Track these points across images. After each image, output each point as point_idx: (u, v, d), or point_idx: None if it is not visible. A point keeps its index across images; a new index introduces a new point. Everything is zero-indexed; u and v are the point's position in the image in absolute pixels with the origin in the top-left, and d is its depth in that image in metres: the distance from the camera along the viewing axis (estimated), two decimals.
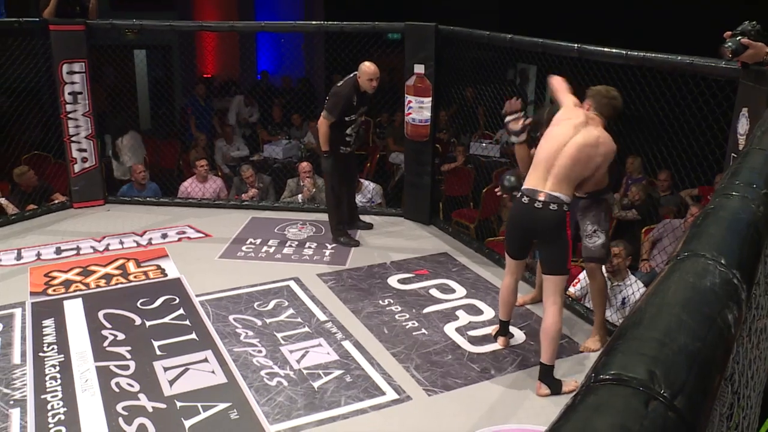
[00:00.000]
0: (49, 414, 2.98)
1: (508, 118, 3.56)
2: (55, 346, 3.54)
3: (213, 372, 3.33)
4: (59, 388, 3.18)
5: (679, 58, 3.36)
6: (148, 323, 3.79)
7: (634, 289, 4.09)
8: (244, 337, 3.65)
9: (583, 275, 4.13)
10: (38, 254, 4.78)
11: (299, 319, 3.87)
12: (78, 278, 4.39)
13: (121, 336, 3.65)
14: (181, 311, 3.94)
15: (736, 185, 1.17)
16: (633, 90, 3.87)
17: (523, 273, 3.61)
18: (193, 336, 3.67)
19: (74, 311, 3.93)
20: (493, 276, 4.48)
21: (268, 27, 7.62)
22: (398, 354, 3.52)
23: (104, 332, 3.69)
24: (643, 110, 4.16)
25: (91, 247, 4.93)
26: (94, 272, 4.48)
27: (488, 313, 3.98)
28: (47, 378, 3.26)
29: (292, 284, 4.32)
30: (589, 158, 3.10)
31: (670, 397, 0.57)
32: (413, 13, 6.94)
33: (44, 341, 3.60)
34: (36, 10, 5.79)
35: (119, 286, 4.30)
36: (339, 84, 4.79)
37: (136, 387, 3.19)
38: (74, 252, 4.84)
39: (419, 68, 5.12)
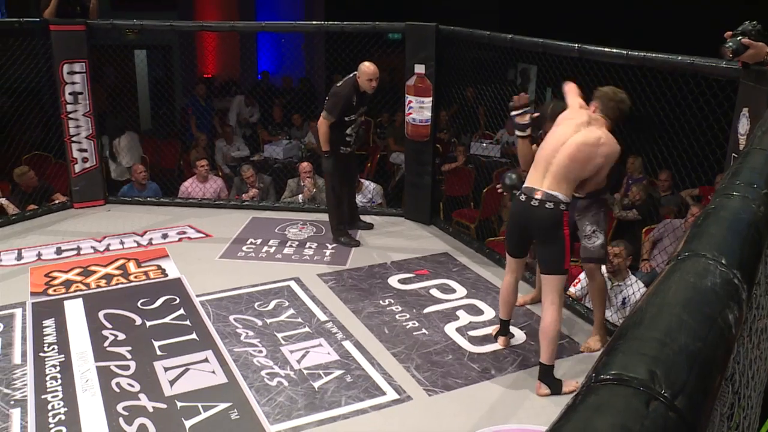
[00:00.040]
0: (50, 414, 2.98)
1: (515, 113, 3.55)
2: (56, 346, 3.55)
3: (213, 372, 3.33)
4: (60, 388, 3.18)
5: (680, 58, 3.36)
6: (148, 323, 3.79)
7: (634, 289, 4.09)
8: (244, 337, 3.65)
9: (583, 275, 4.13)
10: (39, 254, 4.78)
11: (300, 319, 3.87)
12: (78, 278, 4.39)
13: (121, 336, 3.65)
14: (181, 311, 3.94)
15: (736, 185, 1.17)
16: (633, 90, 3.87)
17: (523, 272, 3.61)
18: (194, 336, 3.67)
19: (75, 311, 3.93)
20: (493, 276, 4.48)
21: (269, 27, 7.63)
22: (399, 354, 3.52)
23: (105, 332, 3.69)
24: (644, 110, 4.16)
25: (92, 247, 4.93)
26: (94, 272, 4.49)
27: (489, 313, 3.98)
28: (48, 378, 3.26)
29: (293, 284, 4.32)
30: (589, 158, 3.10)
31: (671, 397, 0.57)
32: (413, 13, 6.94)
33: (45, 341, 3.60)
34: (36, 10, 5.79)
35: (120, 286, 4.30)
36: (338, 84, 4.79)
37: (137, 387, 3.19)
38: (75, 252, 4.84)
39: (420, 68, 5.12)
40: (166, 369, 3.34)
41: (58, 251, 4.85)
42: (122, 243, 5.01)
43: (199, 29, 7.62)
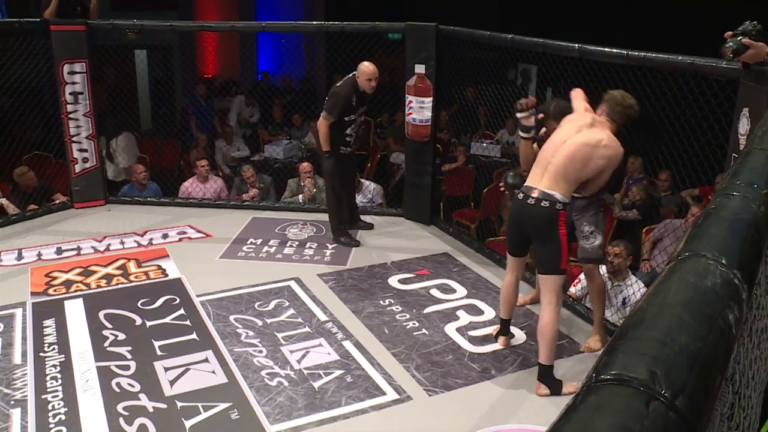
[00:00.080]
0: (50, 414, 2.98)
1: (520, 115, 3.54)
2: (56, 346, 3.55)
3: (213, 372, 3.33)
4: (60, 388, 3.19)
5: (680, 58, 3.36)
6: (148, 323, 3.79)
7: (634, 289, 4.09)
8: (244, 338, 3.65)
9: (583, 275, 4.13)
10: (39, 254, 4.78)
11: (300, 319, 3.87)
12: (79, 278, 4.39)
13: (121, 336, 3.65)
14: (181, 311, 3.94)
15: (737, 185, 1.17)
16: (633, 90, 3.87)
17: (524, 271, 3.60)
18: (194, 336, 3.67)
19: (75, 311, 3.93)
20: (493, 276, 4.48)
21: (269, 27, 7.62)
22: (399, 354, 3.52)
23: (105, 332, 3.69)
24: (644, 110, 4.15)
25: (92, 247, 4.93)
26: (94, 272, 4.49)
27: (489, 313, 3.98)
28: (48, 378, 3.26)
29: (293, 284, 4.33)
30: (588, 158, 3.09)
31: (671, 397, 0.57)
32: (413, 13, 6.94)
33: (45, 341, 3.60)
34: (37, 11, 5.80)
35: (120, 286, 4.30)
36: (338, 84, 4.79)
37: (137, 387, 3.19)
38: (75, 252, 4.84)
39: (420, 68, 5.12)
40: (167, 369, 3.34)
41: (59, 251, 4.85)
42: (122, 243, 5.01)
43: (199, 29, 7.63)
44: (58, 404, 3.06)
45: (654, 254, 5.38)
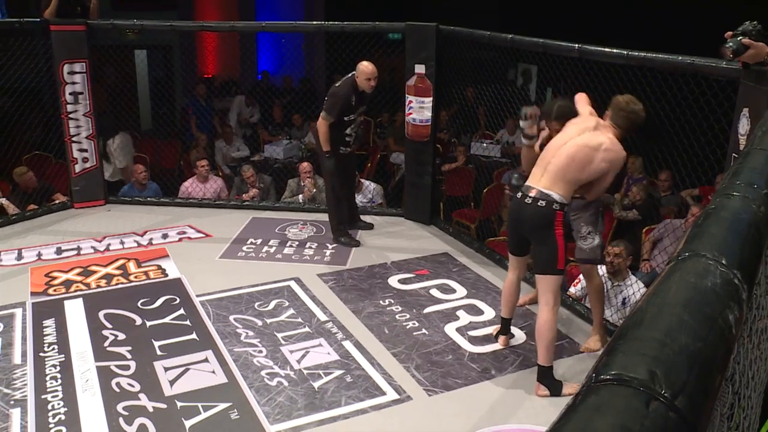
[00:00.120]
0: (50, 414, 2.98)
1: (524, 123, 3.55)
2: (56, 346, 3.55)
3: (213, 372, 3.33)
4: (60, 388, 3.18)
5: (680, 58, 3.36)
6: (148, 323, 3.79)
7: (634, 289, 4.09)
8: (244, 337, 3.65)
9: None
10: (39, 254, 4.78)
11: (300, 319, 3.87)
12: (79, 278, 4.39)
13: (121, 336, 3.65)
14: (181, 311, 3.94)
15: (737, 185, 1.17)
16: (633, 90, 3.87)
17: (525, 270, 3.60)
18: (194, 336, 3.67)
19: (75, 311, 3.93)
20: (493, 276, 4.48)
21: (269, 27, 7.62)
22: (399, 354, 3.52)
23: (105, 332, 3.69)
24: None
25: (92, 247, 4.93)
26: (94, 272, 4.49)
27: (489, 313, 3.99)
28: (48, 378, 3.26)
29: (293, 284, 4.33)
30: (588, 160, 3.09)
31: (671, 397, 0.57)
32: (413, 13, 6.94)
33: (45, 341, 3.60)
34: (37, 11, 5.79)
35: (120, 286, 4.30)
36: (337, 84, 4.78)
37: (137, 387, 3.19)
38: (75, 252, 4.84)
39: (420, 68, 5.12)
40: (166, 369, 3.34)
41: (59, 251, 4.85)
42: (122, 243, 5.01)
43: (199, 29, 7.63)
44: (58, 404, 3.06)
45: (654, 254, 5.38)
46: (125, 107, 7.14)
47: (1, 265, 4.62)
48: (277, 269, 4.57)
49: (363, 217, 5.39)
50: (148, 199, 6.04)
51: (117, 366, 3.36)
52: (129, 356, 3.45)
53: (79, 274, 4.45)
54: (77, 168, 5.69)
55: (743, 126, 2.89)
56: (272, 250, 4.93)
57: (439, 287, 4.32)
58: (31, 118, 6.14)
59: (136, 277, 4.43)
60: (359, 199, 5.85)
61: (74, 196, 5.76)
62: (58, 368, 3.35)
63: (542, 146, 3.42)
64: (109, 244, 4.97)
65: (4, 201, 5.67)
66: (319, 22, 7.14)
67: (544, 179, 3.11)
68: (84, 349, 3.51)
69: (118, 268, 4.56)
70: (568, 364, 3.46)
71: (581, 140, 3.11)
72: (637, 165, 6.38)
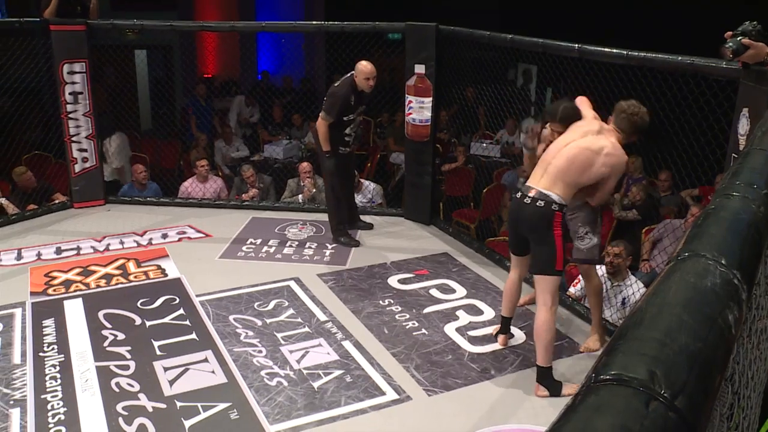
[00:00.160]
0: (49, 414, 2.98)
1: (524, 137, 3.58)
2: (55, 346, 3.54)
3: (213, 372, 3.33)
4: (59, 388, 3.18)
5: (680, 58, 3.36)
6: (148, 323, 3.79)
7: (634, 289, 4.09)
8: (244, 337, 3.65)
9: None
10: (38, 254, 4.78)
11: (299, 319, 3.87)
12: (78, 278, 4.39)
13: (121, 336, 3.65)
14: (181, 311, 3.94)
15: (736, 185, 1.17)
16: (633, 90, 3.87)
17: (527, 269, 3.59)
18: (194, 336, 3.67)
19: (74, 311, 3.93)
20: (493, 276, 4.48)
21: (269, 27, 7.62)
22: (398, 354, 3.52)
23: (104, 332, 3.69)
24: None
25: (92, 247, 4.93)
26: (94, 272, 4.49)
27: (488, 313, 3.98)
28: (47, 378, 3.26)
29: (293, 284, 4.32)
30: (589, 163, 3.09)
31: (671, 397, 0.57)
32: (413, 13, 6.93)
33: (44, 341, 3.60)
34: (37, 10, 5.79)
35: (119, 286, 4.30)
36: (336, 84, 4.78)
37: (136, 387, 3.19)
38: (74, 252, 4.84)
39: (420, 68, 5.12)
40: (166, 369, 3.34)
41: (58, 251, 4.84)
42: (122, 243, 5.01)
43: (199, 29, 7.63)
44: (58, 404, 3.06)
45: (654, 254, 5.38)
46: (125, 107, 7.14)
47: (1, 264, 4.62)
48: (277, 269, 4.57)
49: (363, 217, 5.39)
50: (148, 199, 6.04)
51: (116, 366, 3.36)
52: (128, 356, 3.45)
53: (78, 274, 4.45)
54: (77, 168, 5.69)
55: (743, 126, 2.89)
56: (272, 250, 4.92)
57: (438, 287, 4.32)
58: (30, 118, 6.14)
59: (135, 277, 4.42)
60: (359, 199, 5.85)
61: (74, 196, 5.76)
62: (58, 368, 3.34)
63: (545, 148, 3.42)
64: (108, 244, 4.97)
65: (3, 201, 5.67)
66: (319, 22, 7.14)
67: (544, 180, 3.11)
68: (83, 349, 3.51)
69: (117, 268, 4.56)
70: (568, 364, 3.46)
71: (583, 143, 3.12)
72: (636, 165, 6.38)
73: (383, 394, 3.17)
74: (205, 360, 3.43)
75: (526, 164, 3.68)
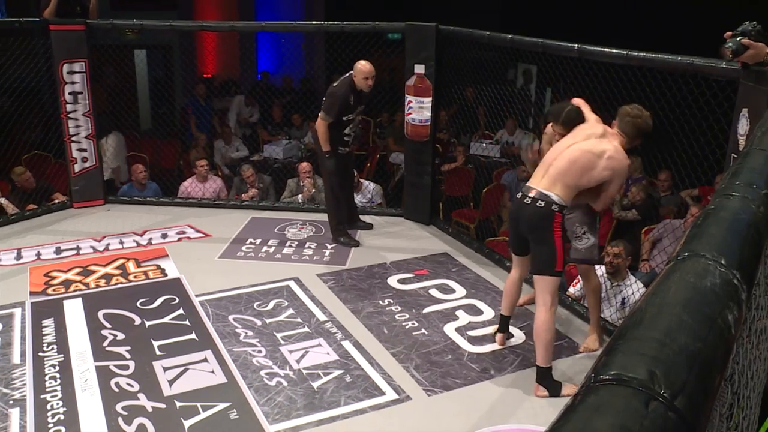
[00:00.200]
0: (49, 414, 2.98)
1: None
2: (55, 346, 3.54)
3: (213, 372, 3.33)
4: (59, 387, 3.18)
5: (680, 58, 3.36)
6: (147, 323, 3.79)
7: (634, 289, 4.09)
8: (243, 337, 3.65)
9: None
10: (38, 254, 4.78)
11: (299, 319, 3.87)
12: (78, 278, 4.39)
13: (120, 336, 3.65)
14: (180, 311, 3.94)
15: (736, 186, 1.17)
16: (633, 90, 3.87)
17: (528, 268, 3.58)
18: (193, 336, 3.67)
19: (74, 311, 3.93)
20: (493, 276, 4.48)
21: (269, 27, 7.62)
22: (398, 354, 3.52)
23: (104, 332, 3.69)
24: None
25: (91, 246, 4.93)
26: (93, 272, 4.48)
27: (488, 313, 3.98)
28: (47, 378, 3.26)
29: (292, 284, 4.32)
30: (590, 166, 3.09)
31: (671, 397, 0.56)
32: (413, 13, 6.93)
33: (44, 341, 3.60)
34: (36, 10, 5.79)
35: (119, 285, 4.30)
36: (335, 84, 4.78)
37: (136, 387, 3.19)
38: (74, 252, 4.83)
39: (419, 68, 5.12)
40: (166, 369, 3.34)
41: (58, 251, 4.84)
42: (122, 243, 5.00)
43: (198, 29, 7.62)
44: (57, 404, 3.06)
45: (653, 254, 5.38)
46: (125, 107, 7.13)
47: (1, 264, 4.62)
48: (277, 269, 4.56)
49: (362, 217, 5.39)
50: (148, 198, 6.04)
51: (116, 366, 3.36)
52: (128, 356, 3.45)
53: (78, 274, 4.45)
54: (76, 168, 5.69)
55: (743, 126, 2.89)
56: (271, 250, 4.92)
57: (438, 287, 4.32)
58: (30, 118, 6.14)
59: (135, 276, 4.42)
60: (359, 199, 5.85)
61: (73, 196, 5.76)
62: (57, 368, 3.34)
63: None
64: (108, 244, 4.97)
65: (3, 201, 5.67)
66: (318, 22, 7.14)
67: (545, 180, 3.12)
68: (83, 349, 3.51)
69: (117, 267, 4.56)
70: (567, 365, 3.46)
71: (585, 145, 3.12)
72: (636, 165, 6.37)
73: (383, 394, 3.17)
74: (205, 360, 3.43)
75: (529, 166, 3.69)
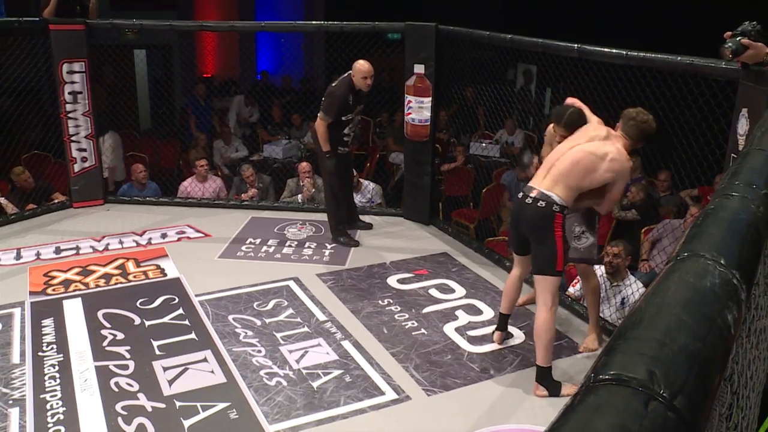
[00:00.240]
0: (48, 414, 2.98)
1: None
2: (55, 346, 3.54)
3: (212, 372, 3.32)
4: (58, 387, 3.18)
5: (680, 58, 3.36)
6: (147, 323, 3.79)
7: (633, 289, 4.09)
8: (243, 337, 3.65)
9: None
10: (38, 254, 4.78)
11: (298, 319, 3.87)
12: (77, 278, 4.39)
13: (120, 336, 3.65)
14: (180, 311, 3.94)
15: (736, 185, 1.17)
16: (633, 90, 3.87)
17: (528, 268, 3.58)
18: (193, 336, 3.67)
19: (73, 311, 3.93)
20: (492, 276, 4.48)
21: (268, 27, 7.62)
22: (397, 354, 3.52)
23: (103, 332, 3.68)
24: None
25: (91, 246, 4.93)
26: (93, 272, 4.48)
27: (488, 313, 3.98)
28: (46, 377, 3.26)
29: (292, 284, 4.32)
30: (592, 168, 3.09)
31: (670, 397, 0.56)
32: (413, 13, 6.94)
33: (43, 341, 3.59)
34: (36, 10, 5.79)
35: (119, 285, 4.30)
36: (334, 84, 4.77)
37: (136, 386, 3.19)
38: (74, 252, 4.83)
39: (419, 68, 5.12)
40: (165, 368, 3.34)
41: (57, 251, 4.84)
42: (121, 242, 5.00)
43: (198, 29, 7.62)
44: (57, 404, 3.06)
45: (653, 254, 5.38)
46: (124, 107, 7.13)
47: (0, 264, 4.62)
48: (276, 269, 4.56)
49: (362, 217, 5.39)
50: (147, 198, 6.03)
51: (116, 365, 3.36)
52: (128, 356, 3.45)
53: (77, 274, 4.44)
54: (76, 167, 5.69)
55: (742, 126, 2.90)
56: (271, 249, 4.92)
57: (438, 287, 4.32)
58: (30, 118, 6.13)
59: (135, 276, 4.42)
60: (358, 199, 5.85)
61: (73, 196, 5.76)
62: (57, 368, 3.34)
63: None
64: (108, 244, 4.97)
65: (2, 200, 5.67)
66: (318, 22, 7.13)
67: (546, 181, 3.12)
68: (83, 349, 3.51)
69: (117, 267, 4.56)
70: (567, 364, 3.46)
71: (588, 147, 3.12)
72: (636, 165, 6.37)
73: (382, 393, 3.17)
74: (205, 360, 3.43)
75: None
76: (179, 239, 5.11)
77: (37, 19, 5.50)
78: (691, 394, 0.58)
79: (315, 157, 5.51)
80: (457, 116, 7.74)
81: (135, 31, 8.44)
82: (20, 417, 2.96)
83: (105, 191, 5.94)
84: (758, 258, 0.99)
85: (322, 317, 3.89)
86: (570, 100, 3.49)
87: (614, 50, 3.73)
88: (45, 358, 3.42)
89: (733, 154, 2.98)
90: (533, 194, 3.12)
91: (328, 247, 4.95)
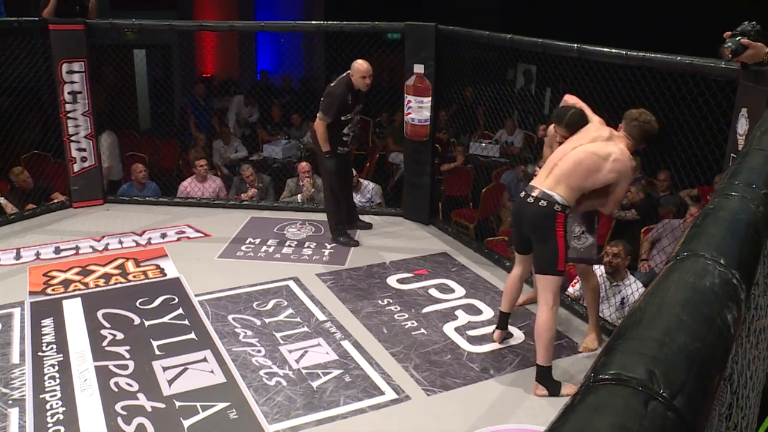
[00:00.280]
0: (48, 413, 2.98)
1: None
2: (54, 346, 3.54)
3: (212, 372, 3.32)
4: (58, 387, 3.18)
5: (679, 58, 3.36)
6: (147, 323, 3.79)
7: (633, 289, 4.09)
8: (243, 337, 3.65)
9: None
10: (37, 254, 4.77)
11: (298, 319, 3.87)
12: (77, 278, 4.39)
13: (120, 335, 3.65)
14: (180, 311, 3.94)
15: (735, 185, 1.17)
16: (633, 90, 3.87)
17: (530, 267, 3.59)
18: (192, 336, 3.67)
19: (73, 311, 3.93)
20: (492, 276, 4.48)
21: (268, 27, 7.61)
22: (397, 354, 3.52)
23: (103, 332, 3.68)
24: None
25: (90, 246, 4.93)
26: (93, 272, 4.48)
27: (487, 312, 3.98)
28: (46, 377, 3.26)
29: (291, 284, 4.32)
30: (595, 168, 3.09)
31: (670, 397, 0.57)
32: (413, 13, 6.94)
33: (43, 341, 3.59)
34: (36, 10, 5.78)
35: (118, 285, 4.29)
36: (333, 84, 4.77)
37: (135, 386, 3.19)
38: (73, 251, 4.83)
39: (419, 68, 5.12)
40: (165, 368, 3.34)
41: (57, 251, 4.84)
42: (121, 242, 5.00)
43: (198, 29, 7.61)
44: (56, 404, 3.06)
45: (652, 254, 5.38)
46: (124, 107, 7.12)
47: (0, 264, 4.61)
48: (276, 269, 4.56)
49: (362, 217, 5.39)
50: (147, 198, 6.03)
51: (115, 365, 3.36)
52: (127, 356, 3.45)
53: (77, 274, 4.44)
54: (76, 167, 5.69)
55: (742, 126, 2.90)
56: (271, 249, 4.92)
57: (437, 287, 4.32)
58: (29, 118, 6.13)
59: (134, 276, 4.42)
60: (358, 198, 5.85)
61: (73, 196, 5.76)
62: (57, 368, 3.34)
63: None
64: (107, 244, 4.97)
65: (2, 200, 5.67)
66: (318, 22, 7.13)
67: (549, 180, 3.12)
68: (82, 349, 3.51)
69: (116, 267, 4.56)
70: (567, 364, 3.46)
71: (591, 147, 3.12)
72: (635, 164, 6.37)
73: (382, 393, 3.17)
74: (204, 360, 3.43)
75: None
76: (179, 239, 5.11)
77: (37, 19, 5.49)
78: (691, 394, 0.58)
79: (314, 157, 5.50)
80: (456, 116, 7.74)
81: (134, 31, 8.43)
82: (20, 417, 2.96)
83: (105, 191, 5.94)
84: (758, 258, 0.99)
85: (321, 317, 3.89)
86: (568, 97, 3.49)
87: (614, 50, 3.73)
88: (45, 358, 3.42)
89: (732, 154, 2.98)
90: (535, 193, 3.12)
91: (328, 246, 4.95)
